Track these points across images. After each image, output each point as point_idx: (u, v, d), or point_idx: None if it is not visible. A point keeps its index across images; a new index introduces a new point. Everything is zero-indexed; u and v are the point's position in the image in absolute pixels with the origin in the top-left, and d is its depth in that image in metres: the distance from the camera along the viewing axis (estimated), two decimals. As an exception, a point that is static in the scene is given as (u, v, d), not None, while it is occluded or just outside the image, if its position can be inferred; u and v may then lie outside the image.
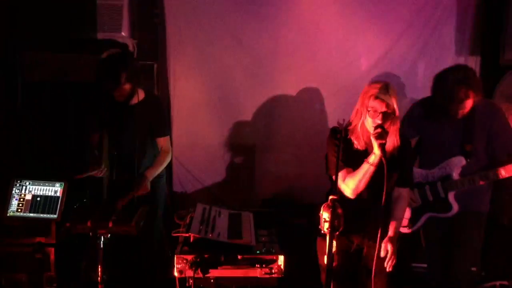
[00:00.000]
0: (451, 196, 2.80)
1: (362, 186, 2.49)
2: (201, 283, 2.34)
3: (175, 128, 4.16)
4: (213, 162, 4.25)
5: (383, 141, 2.37)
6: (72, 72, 3.62)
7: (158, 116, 3.24)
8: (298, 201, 4.09)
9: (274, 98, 4.19)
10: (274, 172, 4.28)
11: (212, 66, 4.12)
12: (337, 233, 2.04)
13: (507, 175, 2.63)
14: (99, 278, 2.54)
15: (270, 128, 4.21)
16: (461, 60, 3.95)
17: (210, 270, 2.31)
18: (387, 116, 2.42)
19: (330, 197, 2.09)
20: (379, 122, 2.42)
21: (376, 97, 2.43)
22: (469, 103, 2.69)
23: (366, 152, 2.53)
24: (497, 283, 3.61)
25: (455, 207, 2.80)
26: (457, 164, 2.76)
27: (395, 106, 2.44)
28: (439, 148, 2.83)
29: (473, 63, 3.98)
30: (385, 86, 2.47)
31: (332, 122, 2.72)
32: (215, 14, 4.05)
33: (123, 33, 3.94)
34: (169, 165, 4.24)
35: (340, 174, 2.53)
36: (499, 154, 2.73)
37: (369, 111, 2.46)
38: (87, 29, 3.87)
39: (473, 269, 3.81)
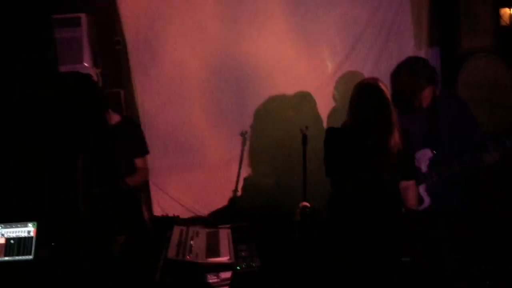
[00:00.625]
0: (422, 190, 2.82)
1: None
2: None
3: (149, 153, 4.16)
4: (191, 181, 4.25)
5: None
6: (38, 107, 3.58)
7: (135, 137, 3.27)
8: (279, 210, 4.09)
9: (244, 111, 4.21)
10: (253, 185, 4.29)
11: (178, 86, 4.13)
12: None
13: (471, 165, 2.66)
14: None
15: (244, 142, 4.22)
16: (421, 53, 4.01)
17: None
18: None
19: (301, 204, 2.10)
20: None
21: None
22: (426, 94, 2.72)
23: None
24: (482, 267, 3.64)
25: (427, 201, 2.82)
26: (424, 157, 2.79)
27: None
28: None
29: (433, 54, 4.06)
30: (372, 79, 2.57)
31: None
32: (176, 34, 4.07)
33: (85, 64, 3.92)
34: (147, 190, 4.25)
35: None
36: (464, 145, 2.75)
37: None
38: (48, 63, 3.84)
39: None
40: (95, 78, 3.96)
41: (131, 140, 3.25)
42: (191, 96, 4.16)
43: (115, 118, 3.23)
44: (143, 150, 3.32)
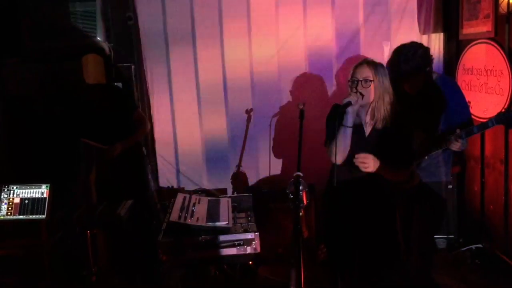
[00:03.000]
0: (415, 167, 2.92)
1: (343, 150, 2.62)
2: (183, 265, 2.50)
3: (156, 126, 4.32)
4: (195, 155, 4.40)
5: (347, 100, 2.56)
6: (51, 80, 3.75)
7: (117, 100, 3.50)
8: (281, 185, 4.24)
9: (249, 89, 4.33)
10: (256, 161, 4.43)
11: (186, 61, 4.26)
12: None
13: (455, 142, 2.75)
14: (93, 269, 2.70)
15: (249, 119, 4.36)
16: (425, 38, 4.10)
17: (190, 252, 2.47)
18: (362, 83, 2.60)
19: (295, 173, 2.23)
20: (352, 87, 2.63)
21: (353, 68, 2.66)
22: (420, 79, 2.82)
23: (361, 126, 2.70)
24: (473, 246, 3.80)
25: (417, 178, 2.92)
26: (417, 138, 2.88)
27: (372, 74, 2.61)
28: None
29: (437, 40, 4.15)
30: (364, 60, 2.69)
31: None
32: (186, 10, 4.19)
33: (98, 38, 4.06)
34: (154, 162, 4.42)
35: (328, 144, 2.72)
36: (453, 125, 2.85)
37: (348, 80, 2.67)
38: (62, 36, 3.98)
39: (451, 236, 4.04)
40: (107, 51, 4.12)
41: (114, 106, 3.45)
42: (199, 71, 4.29)
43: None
44: (131, 107, 3.56)
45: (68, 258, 2.86)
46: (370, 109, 2.68)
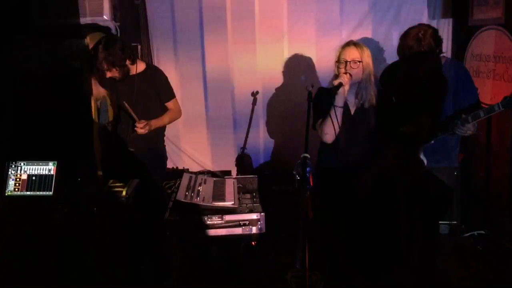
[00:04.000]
0: (420, 152, 2.92)
1: (333, 129, 2.70)
2: (188, 244, 2.52)
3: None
4: (201, 137, 4.42)
5: (339, 81, 2.63)
6: (58, 57, 3.73)
7: (160, 84, 3.43)
8: (284, 168, 4.26)
9: (256, 72, 4.32)
10: (261, 144, 4.45)
11: (193, 43, 4.24)
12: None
13: (461, 126, 2.74)
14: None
15: (254, 102, 4.36)
16: (434, 23, 4.07)
17: (196, 231, 2.50)
18: (351, 63, 2.67)
19: (302, 155, 2.24)
20: (341, 68, 2.71)
21: (340, 49, 2.75)
22: (432, 60, 2.80)
23: (346, 105, 2.76)
24: (475, 233, 3.82)
25: (424, 163, 2.92)
26: (423, 122, 2.88)
27: (360, 55, 2.69)
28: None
29: (446, 25, 4.12)
30: (351, 41, 2.78)
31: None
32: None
33: (105, 17, 4.03)
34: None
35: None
36: (462, 111, 2.83)
37: (335, 62, 2.76)
38: (69, 14, 3.96)
39: (454, 222, 4.05)
40: (113, 31, 4.10)
41: (156, 88, 3.40)
42: (206, 54, 4.28)
43: (139, 66, 3.38)
44: (168, 96, 3.48)
45: (74, 236, 2.88)
46: (357, 89, 2.77)
